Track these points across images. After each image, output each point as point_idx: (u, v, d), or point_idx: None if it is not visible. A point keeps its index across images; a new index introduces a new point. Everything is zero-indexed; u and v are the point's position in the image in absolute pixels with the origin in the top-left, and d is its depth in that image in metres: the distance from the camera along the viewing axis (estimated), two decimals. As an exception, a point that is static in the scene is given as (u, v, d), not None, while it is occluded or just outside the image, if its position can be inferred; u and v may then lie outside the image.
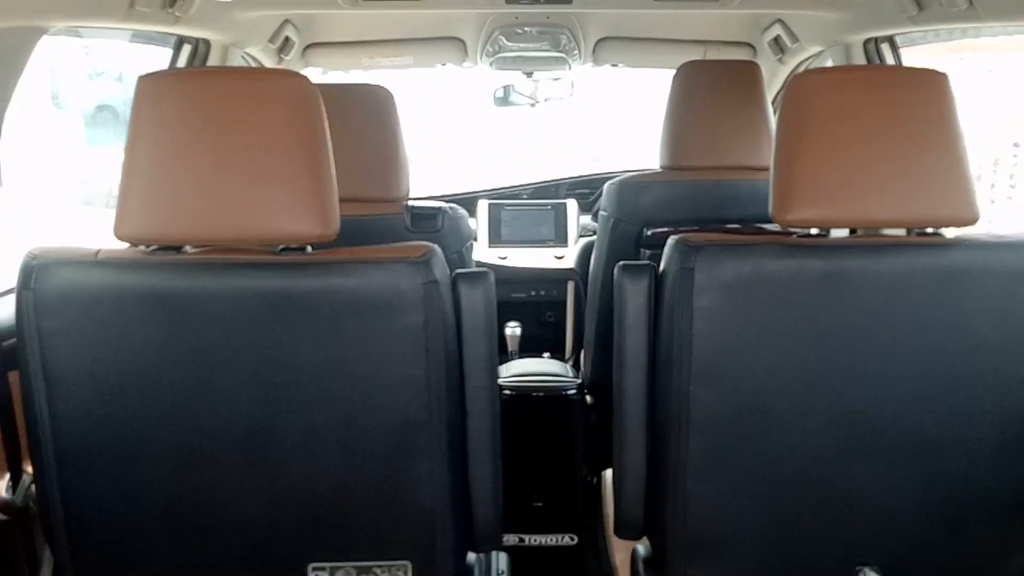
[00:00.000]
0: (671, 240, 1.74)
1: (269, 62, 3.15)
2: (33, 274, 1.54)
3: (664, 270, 1.74)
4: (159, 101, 1.50)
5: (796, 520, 1.73)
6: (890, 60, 2.76)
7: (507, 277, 3.55)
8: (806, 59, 3.15)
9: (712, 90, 2.70)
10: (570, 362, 3.66)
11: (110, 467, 1.61)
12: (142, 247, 1.59)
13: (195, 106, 1.49)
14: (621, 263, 1.83)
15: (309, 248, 1.60)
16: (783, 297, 1.65)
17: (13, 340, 1.60)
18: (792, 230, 1.72)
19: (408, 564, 1.68)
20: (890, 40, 2.72)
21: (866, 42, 2.75)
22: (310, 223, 1.53)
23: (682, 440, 1.70)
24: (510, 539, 2.99)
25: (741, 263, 1.66)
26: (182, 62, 2.66)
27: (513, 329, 3.50)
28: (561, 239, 3.85)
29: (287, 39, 3.11)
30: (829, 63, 3.03)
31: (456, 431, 1.69)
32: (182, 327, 1.56)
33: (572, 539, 3.07)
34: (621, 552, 2.37)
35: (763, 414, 1.68)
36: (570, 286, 3.75)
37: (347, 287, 1.57)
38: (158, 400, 1.57)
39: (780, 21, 3.07)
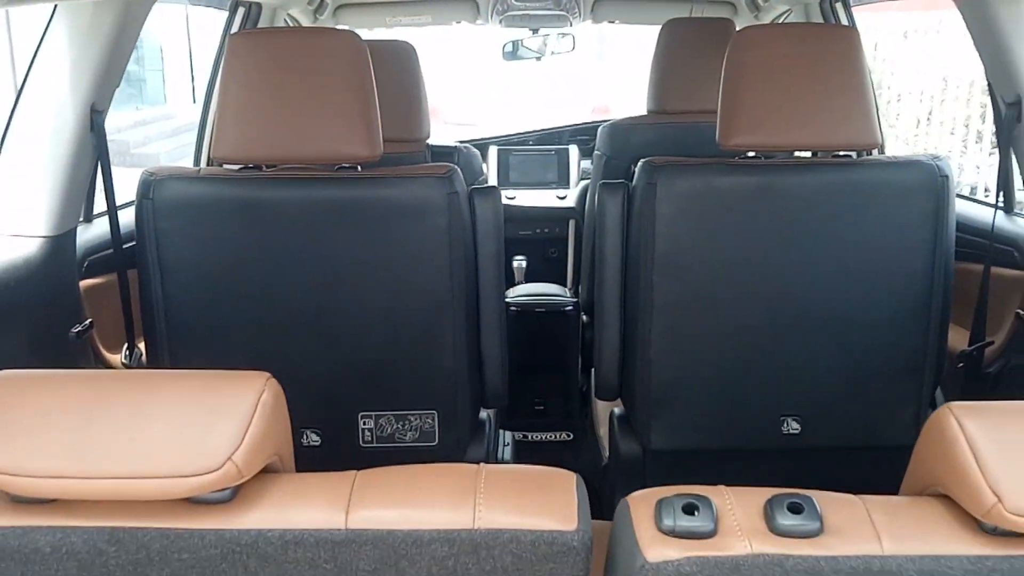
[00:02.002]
0: (640, 162, 2.21)
1: (306, 21, 3.60)
2: (151, 187, 2.03)
3: (634, 186, 2.21)
4: (247, 55, 1.97)
5: (736, 382, 2.21)
6: (843, 16, 3.20)
7: (514, 216, 3.95)
8: (778, 16, 3.58)
9: (691, 44, 3.14)
10: (570, 291, 4.13)
11: (207, 337, 2.11)
12: (231, 166, 2.07)
13: (274, 58, 1.96)
14: (602, 182, 2.31)
15: (359, 168, 2.08)
16: (726, 206, 2.12)
17: (131, 243, 2.09)
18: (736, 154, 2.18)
19: (435, 413, 2.17)
20: (843, 1, 3.16)
21: (821, 1, 3.19)
22: (360, 146, 2.00)
23: (647, 320, 2.19)
24: (516, 435, 3.48)
25: (694, 179, 2.13)
26: (238, 20, 3.13)
27: (520, 262, 3.95)
28: (564, 181, 4.26)
29: (322, 2, 3.57)
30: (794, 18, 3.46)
31: (472, 310, 2.18)
32: (263, 227, 2.04)
33: (568, 435, 3.57)
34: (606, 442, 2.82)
35: (711, 298, 2.16)
36: (571, 224, 4.17)
37: (388, 196, 2.05)
38: (247, 283, 2.05)
39: (753, -18, 3.51)
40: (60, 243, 2.05)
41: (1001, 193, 2.42)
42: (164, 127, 11.72)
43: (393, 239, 2.06)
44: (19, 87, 2.04)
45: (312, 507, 1.01)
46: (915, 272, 2.15)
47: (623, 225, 2.27)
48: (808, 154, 2.15)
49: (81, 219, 2.29)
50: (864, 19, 3.31)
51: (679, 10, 3.83)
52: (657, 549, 0.97)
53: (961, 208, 2.54)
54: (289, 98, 1.96)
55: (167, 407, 1.00)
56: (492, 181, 4.17)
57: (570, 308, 3.49)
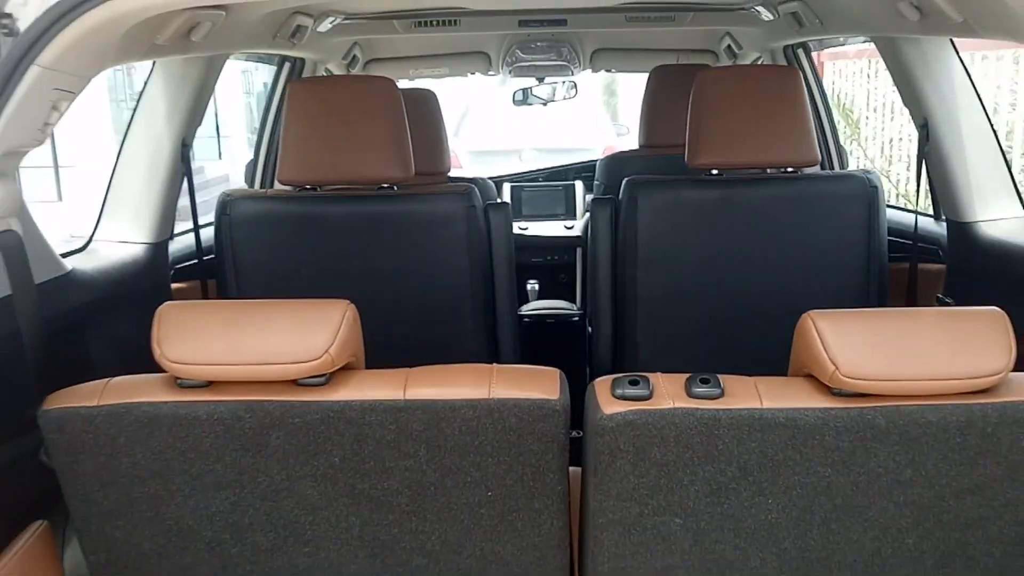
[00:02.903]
0: (624, 180, 2.70)
1: (340, 73, 4.15)
2: (228, 205, 2.53)
3: (620, 200, 2.70)
4: (305, 98, 2.49)
5: (706, 359, 2.67)
6: (805, 59, 3.72)
7: (526, 244, 4.43)
8: (752, 61, 4.10)
9: (675, 87, 3.65)
10: (578, 308, 4.60)
11: None
12: (292, 188, 2.57)
13: (327, 100, 2.48)
14: (594, 198, 2.81)
15: (395, 188, 2.58)
16: (694, 214, 2.61)
17: (210, 256, 2.58)
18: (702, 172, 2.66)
19: None
20: (803, 45, 3.68)
21: (785, 48, 3.71)
22: (395, 169, 2.49)
23: (632, 309, 2.66)
24: None
25: (667, 192, 2.62)
26: (284, 72, 3.67)
27: (532, 285, 4.43)
28: (571, 213, 4.75)
29: (355, 57, 4.12)
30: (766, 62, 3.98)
31: (489, 304, 2.66)
32: (317, 236, 2.54)
33: (578, 433, 4.02)
34: None
35: (684, 289, 2.63)
36: (578, 251, 4.65)
37: (418, 210, 2.55)
38: (304, 281, 2.54)
39: (729, 34, 4.03)
40: (157, 250, 2.56)
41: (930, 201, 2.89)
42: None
43: (422, 245, 2.55)
44: (128, 124, 2.57)
45: (380, 388, 1.49)
46: (853, 267, 2.61)
47: (612, 232, 2.76)
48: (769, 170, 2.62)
49: None
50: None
51: (668, 59, 4.35)
52: (611, 407, 1.45)
53: (895, 215, 3.02)
54: (339, 131, 2.47)
55: (284, 319, 1.49)
56: None
57: (576, 319, 3.96)
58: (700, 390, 1.45)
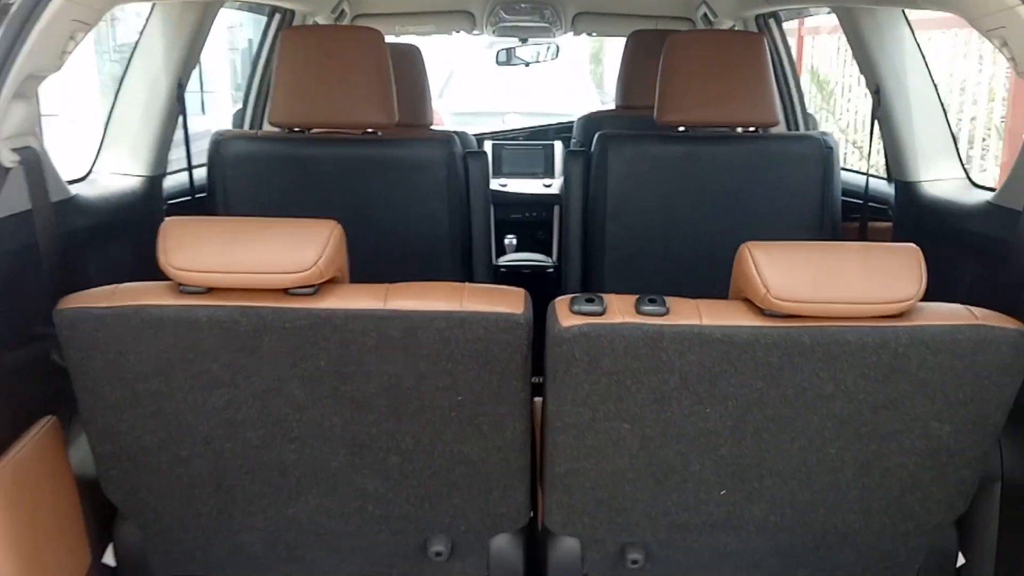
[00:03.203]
0: (597, 135, 2.87)
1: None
2: (220, 145, 2.68)
3: (593, 152, 2.87)
4: (297, 44, 2.63)
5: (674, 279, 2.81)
6: (776, 29, 3.89)
7: (506, 201, 4.59)
8: (727, 29, 4.26)
9: (651, 51, 3.81)
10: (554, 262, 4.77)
11: None
12: (281, 130, 2.72)
13: (318, 47, 2.62)
14: (567, 150, 2.98)
15: (379, 133, 2.74)
16: (661, 167, 2.78)
17: (202, 195, 2.73)
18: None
19: None
20: (774, 15, 3.85)
21: (756, 16, 3.88)
22: (380, 115, 2.65)
23: (600, 255, 2.84)
24: None
25: (636, 146, 2.80)
26: (275, 22, 3.80)
27: (511, 240, 4.59)
28: (549, 172, 4.90)
29: (343, 11, 4.24)
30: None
31: (466, 249, 2.82)
32: (306, 176, 2.69)
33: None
34: None
35: (650, 237, 2.81)
36: (556, 208, 4.82)
37: (401, 154, 2.71)
38: (295, 210, 2.69)
39: (705, 2, 4.18)
40: (153, 183, 2.70)
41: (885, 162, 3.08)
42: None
43: (404, 187, 2.72)
44: (126, 64, 2.71)
45: (363, 299, 1.66)
46: (808, 222, 2.80)
47: (584, 183, 2.93)
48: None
49: None
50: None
51: (646, 24, 4.50)
52: (569, 320, 1.63)
53: (852, 178, 3.21)
54: (328, 78, 2.62)
55: (277, 234, 1.66)
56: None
57: (551, 270, 4.14)
58: (647, 308, 1.63)
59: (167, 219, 1.67)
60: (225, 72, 15.53)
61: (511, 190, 4.68)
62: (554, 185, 4.75)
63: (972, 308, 1.67)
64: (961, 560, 2.05)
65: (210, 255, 1.62)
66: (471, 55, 10.38)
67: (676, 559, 1.95)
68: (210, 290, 1.65)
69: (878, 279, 1.61)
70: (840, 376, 1.65)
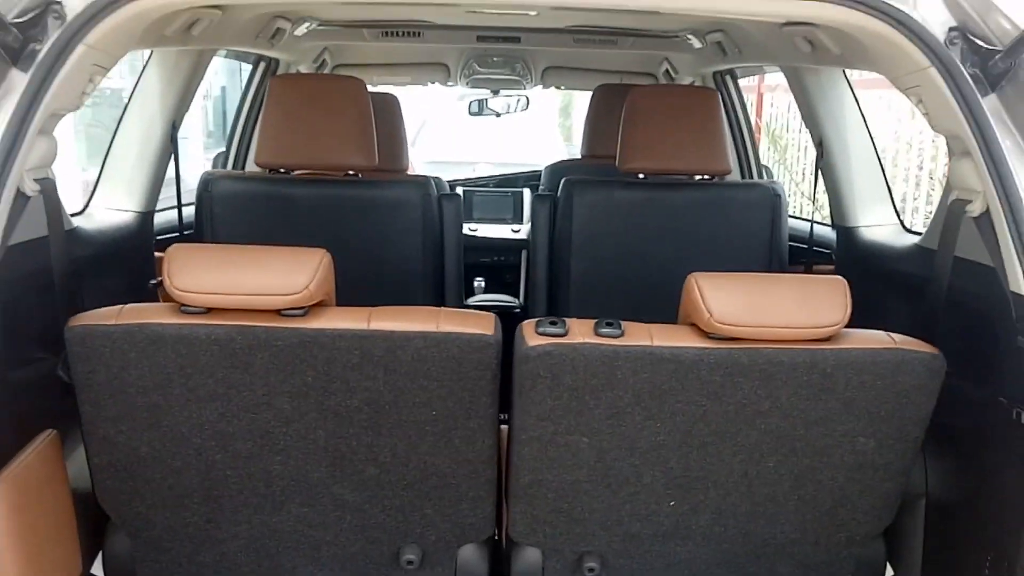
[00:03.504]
0: (563, 180, 3.08)
1: (309, 75, 4.49)
2: (210, 183, 2.86)
3: (559, 196, 3.07)
4: (285, 91, 2.82)
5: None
6: (732, 85, 4.16)
7: (476, 245, 4.77)
8: (686, 84, 4.52)
9: (616, 103, 4.05)
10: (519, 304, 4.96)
11: None
12: (266, 171, 2.90)
13: (304, 93, 2.82)
14: (535, 195, 3.18)
15: (359, 175, 2.93)
16: (622, 211, 2.99)
17: (189, 231, 2.90)
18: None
19: None
20: (730, 72, 4.12)
21: (714, 73, 4.14)
22: (361, 159, 2.84)
23: (566, 291, 3.03)
24: None
25: (600, 191, 3.01)
26: (260, 71, 4.01)
27: (479, 282, 4.78)
28: (518, 218, 5.11)
29: (324, 61, 4.46)
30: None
31: (439, 284, 3.01)
32: (290, 214, 2.87)
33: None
34: None
35: (609, 276, 3.00)
36: (524, 253, 5.02)
37: (380, 194, 2.90)
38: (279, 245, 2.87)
39: (667, 59, 4.45)
40: (145, 219, 2.87)
41: (829, 209, 3.32)
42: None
43: (382, 225, 2.90)
44: (124, 105, 2.88)
45: (348, 320, 1.84)
46: (757, 263, 3.01)
47: (550, 224, 3.14)
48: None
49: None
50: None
51: (611, 80, 4.76)
52: (534, 340, 1.82)
53: (800, 225, 3.44)
54: (313, 122, 2.81)
55: (272, 260, 1.83)
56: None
57: (518, 310, 4.32)
58: (605, 330, 1.82)
59: (172, 245, 1.84)
60: (198, 118, 15.74)
61: (481, 234, 4.86)
62: (522, 231, 4.95)
63: (892, 334, 1.87)
64: (890, 572, 2.24)
65: (211, 278, 1.79)
66: (443, 106, 10.68)
67: (630, 568, 2.11)
68: (209, 310, 1.82)
69: (808, 307, 1.81)
70: (776, 394, 1.84)
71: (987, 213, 1.82)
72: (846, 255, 2.99)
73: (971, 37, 1.79)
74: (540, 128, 10.59)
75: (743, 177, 4.08)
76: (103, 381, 1.85)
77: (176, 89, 2.90)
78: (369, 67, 4.87)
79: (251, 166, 3.93)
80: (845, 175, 2.98)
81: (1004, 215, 1.71)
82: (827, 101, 3.01)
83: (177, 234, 3.10)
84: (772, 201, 3.00)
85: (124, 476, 1.98)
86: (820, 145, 3.03)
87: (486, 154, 9.74)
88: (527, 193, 5.14)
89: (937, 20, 1.81)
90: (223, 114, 11.51)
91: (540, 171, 5.55)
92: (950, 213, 2.01)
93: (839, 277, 1.86)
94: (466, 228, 4.89)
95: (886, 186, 2.98)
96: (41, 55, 1.70)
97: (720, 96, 3.90)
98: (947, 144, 2.05)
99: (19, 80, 1.71)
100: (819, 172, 3.08)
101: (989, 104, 1.77)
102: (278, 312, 1.83)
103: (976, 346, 1.97)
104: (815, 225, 3.41)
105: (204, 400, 1.87)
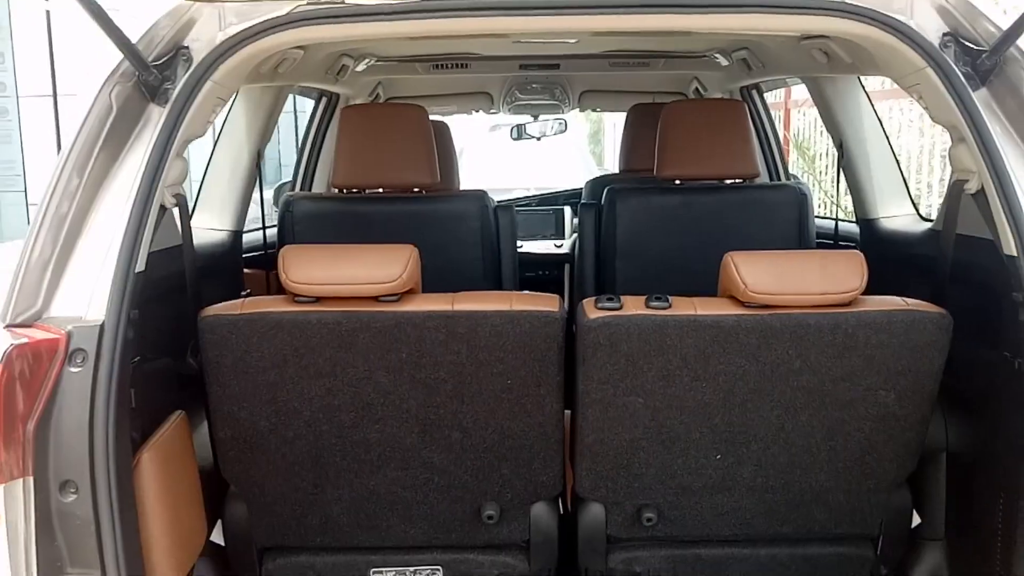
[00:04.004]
0: (606, 189, 3.40)
1: (366, 108, 4.86)
2: (291, 204, 3.21)
3: (603, 204, 3.39)
4: (356, 119, 3.18)
5: None
6: (758, 98, 4.46)
7: (520, 260, 5.07)
8: (717, 98, 4.83)
9: (649, 122, 4.37)
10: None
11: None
12: (340, 191, 3.25)
13: (373, 121, 3.17)
14: (580, 203, 3.50)
15: (423, 192, 3.26)
16: (662, 215, 3.30)
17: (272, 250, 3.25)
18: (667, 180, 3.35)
19: None
20: (756, 87, 4.42)
21: (740, 88, 4.45)
22: (425, 177, 3.17)
23: (611, 288, 3.33)
24: None
25: (640, 198, 3.32)
26: (322, 105, 4.38)
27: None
28: (560, 234, 5.43)
29: (378, 94, 4.84)
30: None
31: (496, 282, 3.32)
32: (363, 229, 3.21)
33: None
34: None
35: (652, 275, 3.30)
36: (566, 267, 5.34)
37: (443, 208, 3.24)
38: None
39: (696, 78, 4.77)
40: (236, 237, 3.23)
41: (853, 207, 3.60)
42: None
43: (445, 234, 3.23)
44: (216, 137, 3.26)
45: (435, 303, 2.16)
46: None
47: (596, 230, 3.45)
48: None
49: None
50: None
51: (644, 100, 5.08)
52: (595, 314, 2.13)
53: (828, 224, 3.72)
54: (382, 147, 3.15)
55: (371, 255, 2.16)
56: None
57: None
58: (654, 303, 2.13)
59: (286, 246, 2.18)
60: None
61: (524, 250, 5.16)
62: (564, 245, 5.26)
63: (905, 298, 2.16)
64: (917, 520, 2.50)
65: (320, 272, 2.13)
66: (477, 137, 11.08)
67: (683, 518, 2.40)
68: (318, 299, 2.15)
69: (830, 276, 2.11)
70: (805, 353, 2.14)
71: (982, 190, 2.10)
72: (869, 245, 3.27)
73: (962, 40, 2.09)
74: (572, 154, 10.96)
75: (771, 180, 4.38)
76: (229, 364, 2.18)
77: (260, 122, 3.28)
78: (419, 98, 5.23)
79: (316, 189, 4.30)
80: (865, 173, 3.27)
81: (995, 190, 1.99)
82: (845, 107, 3.31)
83: (262, 252, 3.46)
84: (799, 200, 3.29)
85: (244, 448, 2.31)
86: (841, 147, 3.33)
87: (523, 180, 10.11)
88: (567, 210, 5.46)
89: (932, 27, 2.11)
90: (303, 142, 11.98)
91: (578, 189, 5.88)
92: (951, 193, 2.30)
93: (855, 251, 2.15)
94: None
95: (903, 180, 3.26)
96: (176, 92, 2.05)
97: (747, 108, 4.22)
98: (949, 133, 2.33)
99: (157, 113, 2.06)
100: (840, 171, 3.37)
101: (980, 96, 2.06)
102: (376, 299, 2.16)
103: (982, 310, 2.24)
104: (840, 222, 3.69)
105: (314, 377, 2.20)
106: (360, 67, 3.89)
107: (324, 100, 4.43)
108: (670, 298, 2.16)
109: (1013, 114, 2.03)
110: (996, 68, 2.05)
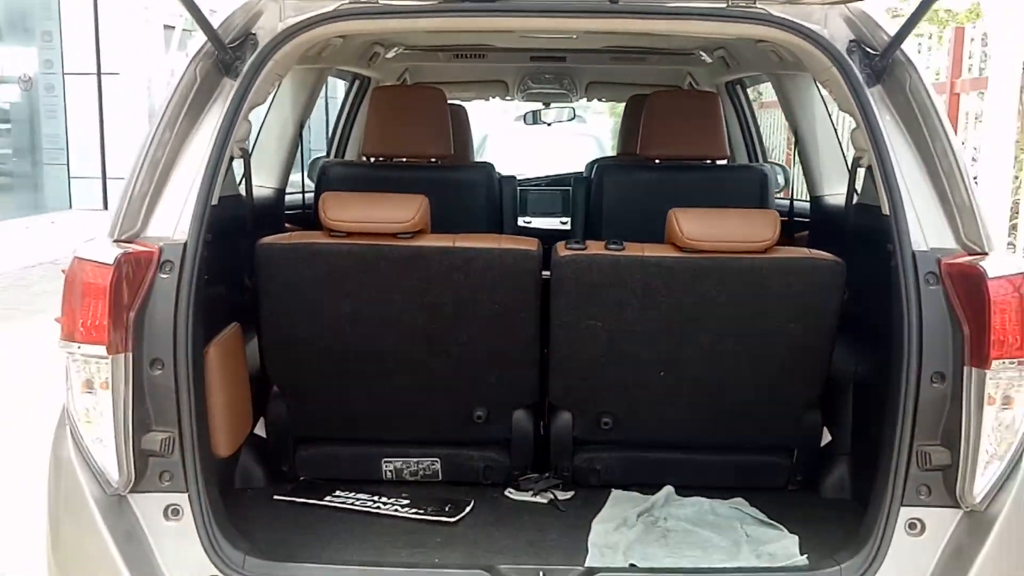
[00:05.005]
0: (595, 165, 3.98)
1: (394, 91, 5.47)
2: (326, 170, 3.82)
3: (592, 178, 3.97)
4: (386, 98, 3.78)
5: None
6: (740, 91, 5.03)
7: (530, 235, 5.69)
8: (695, 89, 5.39)
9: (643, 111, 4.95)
10: None
11: None
12: (369, 159, 3.84)
13: (400, 99, 3.77)
14: (575, 177, 4.09)
15: (440, 162, 3.85)
16: (642, 187, 3.88)
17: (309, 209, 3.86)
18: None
19: None
20: (739, 81, 4.99)
21: (726, 83, 5.02)
22: (442, 149, 3.77)
23: None
24: None
25: (624, 173, 3.91)
26: (355, 87, 5.00)
27: None
28: (567, 212, 5.99)
29: (405, 79, 5.44)
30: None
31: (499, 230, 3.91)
32: (386, 190, 3.79)
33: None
34: None
35: (632, 237, 3.86)
36: None
37: (456, 176, 3.84)
38: None
39: (689, 73, 5.34)
40: (279, 194, 3.85)
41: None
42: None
43: (457, 199, 3.83)
44: (265, 112, 3.87)
45: (440, 241, 2.76)
46: None
47: (586, 200, 4.04)
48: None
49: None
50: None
51: (642, 91, 5.64)
52: (564, 253, 2.73)
53: (799, 204, 4.29)
54: (405, 119, 3.75)
55: (391, 201, 2.77)
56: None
57: None
58: (612, 246, 2.72)
59: (324, 194, 2.78)
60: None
61: (533, 226, 5.74)
62: (570, 223, 5.83)
63: (810, 250, 2.73)
64: (828, 438, 3.06)
65: (352, 212, 2.73)
66: (503, 123, 11.72)
67: (633, 426, 2.98)
68: (349, 234, 2.75)
69: (749, 228, 2.68)
70: (729, 290, 2.71)
71: (871, 167, 2.67)
72: (816, 217, 3.84)
73: (864, 46, 2.65)
74: (589, 144, 11.54)
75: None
76: (278, 283, 2.79)
77: (303, 98, 3.89)
78: (442, 84, 5.83)
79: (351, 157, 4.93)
80: (815, 158, 3.84)
81: (877, 164, 2.55)
82: (800, 101, 3.88)
83: (300, 210, 4.07)
84: (761, 179, 3.86)
85: (286, 353, 2.92)
86: (796, 133, 3.89)
87: (545, 169, 10.70)
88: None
89: (841, 35, 2.66)
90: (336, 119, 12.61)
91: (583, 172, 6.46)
92: (851, 167, 2.86)
93: (771, 210, 2.73)
94: (521, 221, 5.75)
95: (844, 164, 3.82)
96: (244, 68, 2.65)
97: (731, 100, 4.80)
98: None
99: (229, 85, 2.66)
100: (795, 154, 3.93)
101: (875, 92, 2.62)
102: (394, 235, 2.75)
103: (874, 260, 2.80)
104: (806, 203, 4.26)
105: (343, 297, 2.80)
106: (390, 54, 4.49)
107: (357, 83, 5.05)
108: (624, 243, 2.75)
109: (901, 106, 2.59)
110: (887, 69, 2.61)
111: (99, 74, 13.20)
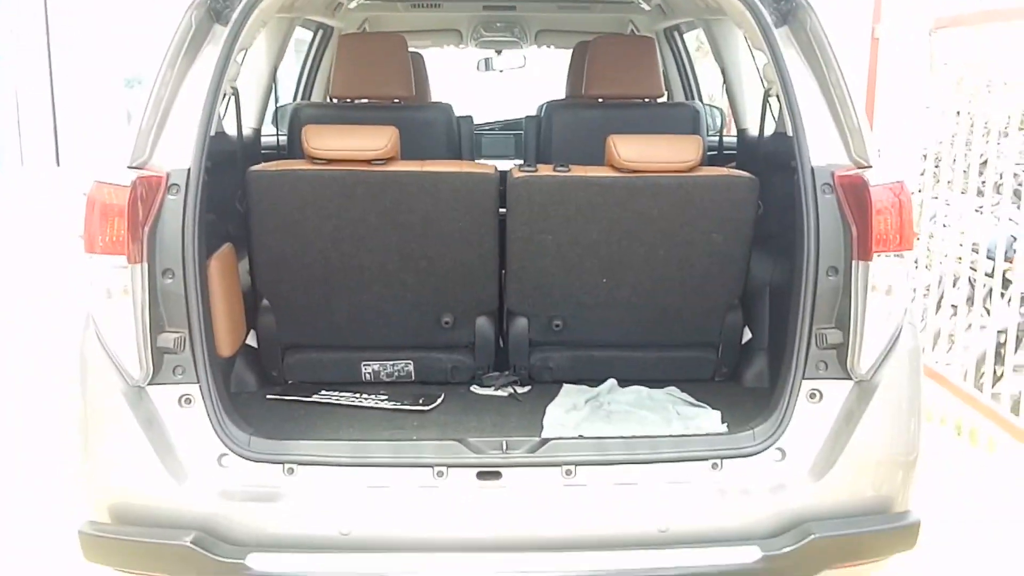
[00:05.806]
0: (545, 104, 4.39)
1: (353, 40, 5.81)
2: (298, 111, 4.18)
3: (542, 116, 4.38)
4: (352, 44, 4.13)
5: None
6: (679, 38, 5.46)
7: None
8: (635, 35, 5.80)
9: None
10: None
11: None
12: (336, 100, 4.21)
13: (364, 45, 4.13)
14: (526, 116, 4.50)
15: (402, 103, 4.23)
16: (588, 124, 4.29)
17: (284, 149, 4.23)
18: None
19: None
20: (677, 28, 5.41)
21: (665, 30, 5.44)
22: (404, 90, 4.15)
23: None
24: None
25: (571, 111, 4.35)
26: (318, 36, 5.33)
27: None
28: (520, 154, 6.42)
29: (365, 28, 5.78)
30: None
31: None
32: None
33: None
34: None
35: (579, 161, 4.31)
36: None
37: (418, 115, 4.23)
38: None
39: (631, 20, 5.75)
40: (256, 133, 4.20)
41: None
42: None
43: (418, 135, 4.21)
44: (241, 61, 4.21)
45: (410, 167, 3.17)
46: None
47: (536, 137, 4.45)
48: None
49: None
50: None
51: (588, 39, 6.04)
52: (518, 175, 3.15)
53: (729, 139, 4.75)
54: (370, 63, 4.12)
55: (367, 132, 3.16)
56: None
57: None
58: (559, 169, 3.15)
59: (306, 126, 3.16)
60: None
61: None
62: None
63: (728, 168, 3.18)
64: (748, 336, 3.54)
65: (331, 141, 3.12)
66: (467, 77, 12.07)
67: (580, 327, 3.44)
68: (329, 161, 3.14)
69: (676, 151, 3.12)
70: (660, 206, 3.16)
71: (778, 96, 3.11)
72: (742, 147, 4.30)
73: None
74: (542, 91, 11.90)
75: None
76: (266, 206, 3.18)
77: (276, 44, 4.24)
78: (399, 33, 6.17)
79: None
80: (739, 96, 4.28)
81: (782, 94, 2.99)
82: (728, 45, 4.32)
83: (275, 150, 4.43)
84: (693, 116, 4.31)
85: (275, 269, 3.31)
86: (723, 74, 4.33)
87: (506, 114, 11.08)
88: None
89: (754, -17, 3.09)
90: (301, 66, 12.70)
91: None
92: (765, 100, 3.31)
93: (696, 136, 3.17)
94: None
95: (764, 100, 4.28)
96: (234, 15, 3.00)
97: (669, 46, 5.23)
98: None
99: (220, 30, 3.01)
100: (724, 92, 4.38)
101: (782, 32, 3.04)
102: (369, 162, 3.15)
103: (783, 180, 3.26)
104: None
105: (324, 217, 3.20)
106: (352, 4, 4.84)
107: (320, 32, 5.38)
108: (570, 166, 3.17)
109: (803, 43, 3.01)
110: (792, 12, 3.03)
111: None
